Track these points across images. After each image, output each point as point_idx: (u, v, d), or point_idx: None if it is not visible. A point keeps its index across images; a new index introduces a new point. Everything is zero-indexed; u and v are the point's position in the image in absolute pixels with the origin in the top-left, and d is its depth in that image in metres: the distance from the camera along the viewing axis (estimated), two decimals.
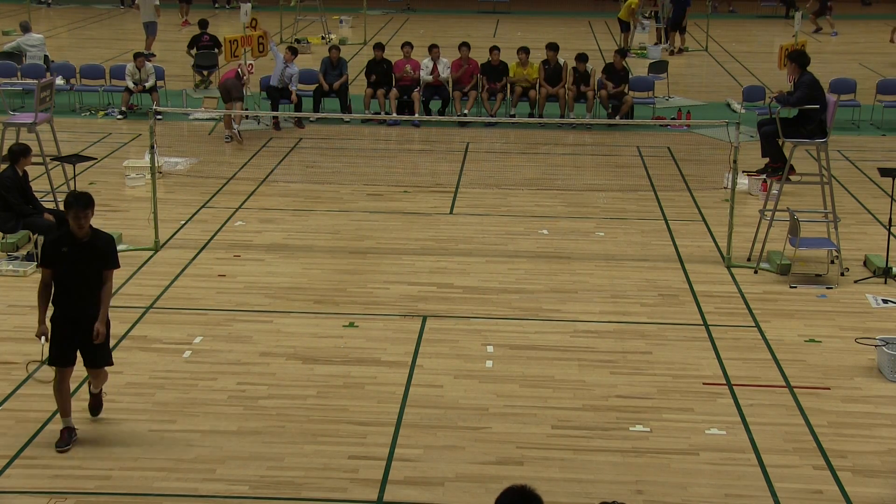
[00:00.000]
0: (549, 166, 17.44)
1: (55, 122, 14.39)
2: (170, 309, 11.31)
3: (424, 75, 20.20)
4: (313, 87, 20.16)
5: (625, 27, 28.47)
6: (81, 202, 8.24)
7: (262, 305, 11.45)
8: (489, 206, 15.03)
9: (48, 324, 8.42)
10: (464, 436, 8.79)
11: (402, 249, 13.22)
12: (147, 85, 20.15)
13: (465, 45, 20.45)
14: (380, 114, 19.92)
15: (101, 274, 8.38)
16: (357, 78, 22.23)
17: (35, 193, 12.80)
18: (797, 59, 13.02)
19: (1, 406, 9.19)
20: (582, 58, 20.26)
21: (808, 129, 12.67)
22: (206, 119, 19.95)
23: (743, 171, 14.67)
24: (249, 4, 21.57)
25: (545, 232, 13.96)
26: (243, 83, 18.80)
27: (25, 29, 23.10)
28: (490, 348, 10.45)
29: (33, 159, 12.73)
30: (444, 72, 20.26)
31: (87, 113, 20.51)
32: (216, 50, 22.85)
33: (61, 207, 13.00)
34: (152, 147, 13.07)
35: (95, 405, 8.88)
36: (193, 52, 23.03)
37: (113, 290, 8.85)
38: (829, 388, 9.73)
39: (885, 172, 12.81)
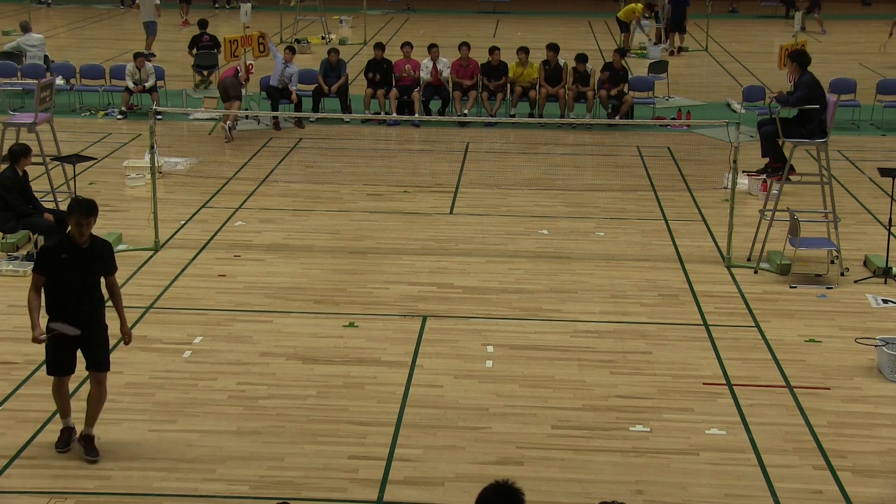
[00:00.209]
0: (549, 166, 17.44)
1: (55, 122, 14.39)
2: (170, 309, 11.31)
3: (424, 75, 20.20)
4: (313, 87, 20.16)
5: (624, 27, 28.47)
6: (84, 209, 8.13)
7: (262, 305, 11.45)
8: (489, 206, 15.03)
9: (42, 326, 8.29)
10: (464, 436, 8.79)
11: (402, 249, 13.23)
12: (147, 85, 20.15)
13: (465, 45, 20.46)
14: (380, 114, 19.92)
15: (99, 280, 8.31)
16: (357, 78, 22.23)
17: (35, 193, 12.80)
18: (798, 58, 13.02)
19: (1, 406, 9.19)
20: (582, 58, 20.26)
21: (808, 129, 12.67)
22: (206, 119, 19.95)
23: (743, 171, 14.66)
24: (249, 4, 21.60)
25: (545, 232, 13.96)
26: (242, 83, 18.76)
27: (25, 29, 23.10)
28: (490, 348, 10.45)
29: (33, 159, 12.73)
30: (444, 71, 20.26)
31: (87, 113, 20.52)
32: (215, 50, 22.85)
33: (62, 207, 13.06)
34: (152, 147, 13.07)
35: (89, 448, 8.35)
36: (194, 52, 23.03)
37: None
38: (829, 388, 9.74)
39: (885, 172, 12.81)
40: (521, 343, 10.60)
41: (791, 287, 12.15)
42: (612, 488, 8.03)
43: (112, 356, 8.69)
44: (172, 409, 9.18)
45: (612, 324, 11.08)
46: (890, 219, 12.66)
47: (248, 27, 20.51)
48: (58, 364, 8.32)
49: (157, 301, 11.48)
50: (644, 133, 19.71)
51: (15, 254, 12.73)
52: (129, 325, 10.69)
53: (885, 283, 12.28)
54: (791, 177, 12.99)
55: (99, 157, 16.76)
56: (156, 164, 13.34)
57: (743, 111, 19.62)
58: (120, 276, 8.71)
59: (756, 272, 12.59)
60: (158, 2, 27.02)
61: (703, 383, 9.80)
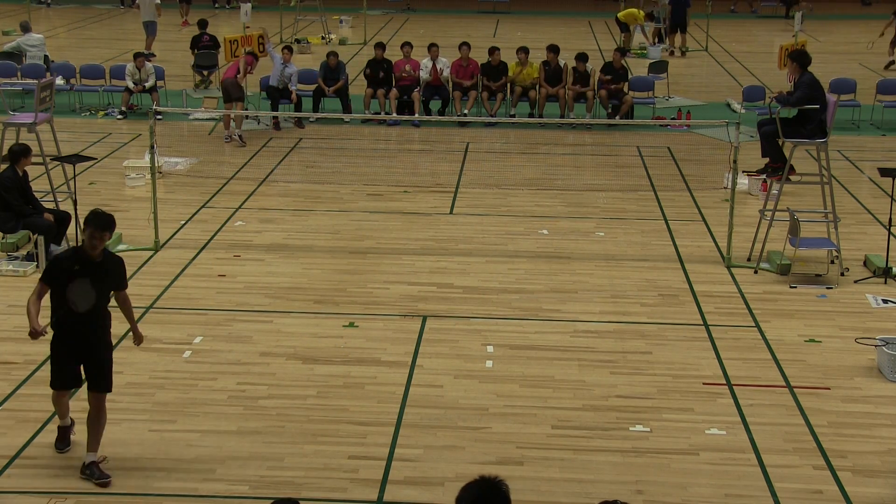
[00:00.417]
0: (549, 166, 17.44)
1: (55, 122, 14.38)
2: (170, 309, 11.31)
3: (424, 75, 20.20)
4: (313, 87, 20.15)
5: (624, 28, 28.46)
6: (99, 223, 7.91)
7: (262, 305, 11.45)
8: (489, 206, 15.03)
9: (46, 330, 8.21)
10: (464, 436, 8.79)
11: (402, 249, 13.22)
12: (147, 85, 20.15)
13: (465, 45, 20.46)
14: (380, 114, 19.92)
15: (108, 297, 8.12)
16: (357, 78, 22.23)
17: (35, 193, 12.80)
18: (798, 58, 13.03)
19: (1, 406, 9.19)
20: (582, 58, 20.27)
21: (808, 128, 12.67)
22: (206, 119, 19.95)
23: (743, 171, 14.66)
24: (249, 4, 21.59)
25: (545, 232, 13.96)
26: (240, 84, 18.67)
27: (25, 29, 23.10)
28: (490, 348, 10.45)
29: (33, 159, 12.72)
30: (444, 71, 20.26)
31: (87, 113, 20.52)
32: (215, 50, 22.84)
33: (62, 207, 13.07)
34: (152, 147, 13.07)
35: (99, 474, 8.03)
36: (195, 52, 23.03)
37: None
38: (829, 388, 9.73)
39: (885, 172, 12.80)
40: (521, 343, 10.60)
41: (791, 287, 12.15)
42: (612, 488, 8.03)
43: (112, 356, 8.65)
44: (172, 409, 9.18)
45: (612, 324, 11.08)
46: (890, 219, 12.66)
47: (248, 27, 20.51)
48: (59, 378, 8.19)
49: (157, 301, 11.48)
50: (644, 133, 19.71)
51: (15, 254, 12.73)
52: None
53: (885, 283, 12.28)
54: (791, 177, 12.99)
55: (99, 157, 16.76)
56: (156, 164, 13.35)
57: (743, 111, 19.62)
58: None
59: (756, 272, 12.59)
60: (159, 1, 27.01)
61: (703, 383, 9.80)
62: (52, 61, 22.54)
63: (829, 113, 12.63)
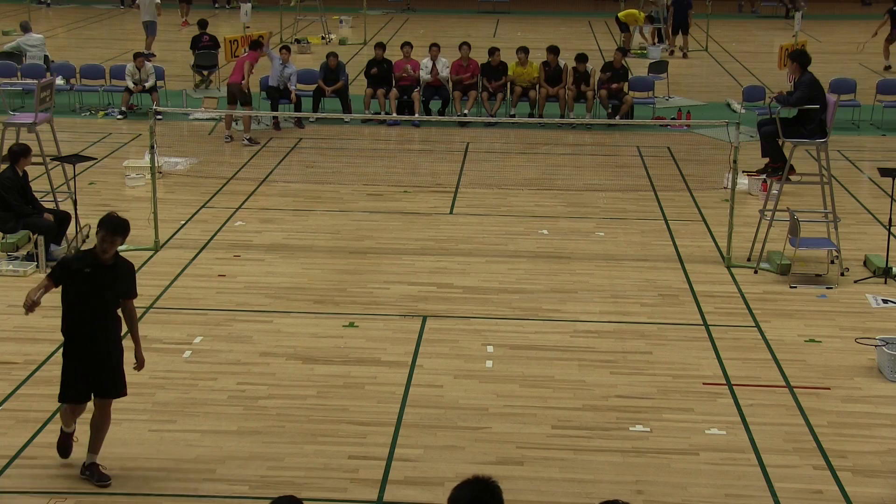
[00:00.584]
0: (549, 166, 17.44)
1: (55, 122, 14.38)
2: (170, 309, 11.31)
3: (424, 75, 20.20)
4: (313, 87, 20.15)
5: (624, 28, 28.47)
6: (111, 227, 7.77)
7: (262, 305, 11.45)
8: (489, 206, 15.03)
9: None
10: (464, 436, 8.79)
11: (402, 249, 13.22)
12: (147, 85, 20.15)
13: (465, 45, 20.47)
14: (380, 114, 19.92)
15: (117, 301, 7.99)
16: (357, 78, 22.22)
17: (35, 193, 12.80)
18: (798, 58, 13.03)
19: (1, 406, 9.19)
20: (582, 58, 20.27)
21: (808, 128, 12.67)
22: (206, 119, 19.95)
23: (743, 171, 14.67)
24: (249, 4, 21.61)
25: (545, 232, 13.96)
26: (246, 90, 18.57)
27: (25, 29, 23.11)
28: (490, 348, 10.45)
29: (33, 159, 12.73)
30: (444, 71, 20.27)
31: (87, 113, 20.52)
32: (215, 50, 22.83)
33: (62, 207, 13.07)
34: (152, 147, 13.07)
35: (99, 475, 8.05)
36: (195, 52, 23.02)
37: None
38: (829, 388, 9.73)
39: (885, 172, 12.81)
40: (521, 343, 10.60)
41: (791, 287, 12.15)
42: (612, 488, 8.03)
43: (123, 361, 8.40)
44: (172, 409, 9.18)
45: (612, 324, 11.08)
46: (890, 219, 12.66)
47: (248, 27, 20.51)
48: (71, 391, 7.96)
49: (157, 301, 11.48)
50: (644, 133, 19.71)
51: (15, 254, 12.73)
52: None
53: (885, 283, 12.28)
54: (791, 177, 13.00)
55: (99, 157, 16.76)
56: (156, 164, 13.35)
57: (743, 111, 19.60)
58: None
59: (756, 272, 12.59)
60: (159, 1, 27.01)
61: (703, 383, 9.79)
62: (52, 61, 22.54)
63: (829, 113, 12.64)
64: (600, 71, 20.37)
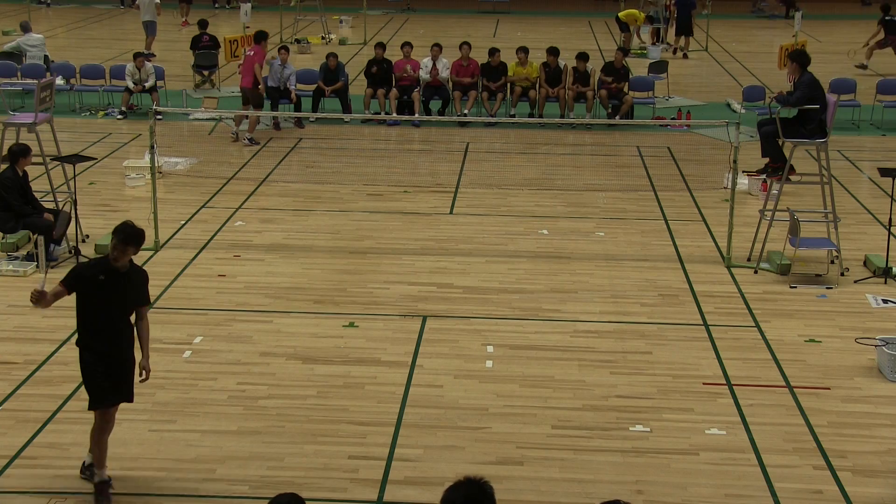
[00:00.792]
0: (549, 166, 17.44)
1: (55, 122, 14.36)
2: (170, 309, 11.31)
3: (423, 75, 20.20)
4: (313, 87, 20.15)
5: (624, 28, 28.47)
6: (123, 237, 7.61)
7: (262, 305, 11.45)
8: (489, 206, 15.03)
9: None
10: (464, 436, 8.79)
11: (402, 249, 13.23)
12: (147, 85, 20.15)
13: (465, 45, 20.47)
14: (380, 114, 19.92)
15: (131, 309, 7.90)
16: (357, 78, 22.23)
17: (35, 193, 12.80)
18: (798, 58, 13.02)
19: (1, 406, 9.19)
20: (582, 57, 20.27)
21: (808, 128, 12.67)
22: (206, 119, 19.95)
23: (743, 171, 14.66)
24: (249, 4, 21.61)
25: (545, 232, 13.96)
26: (261, 94, 18.52)
27: (25, 29, 23.11)
28: (490, 348, 10.45)
29: (33, 159, 12.72)
30: (444, 71, 20.26)
31: (87, 113, 20.52)
32: (214, 51, 22.84)
33: (61, 207, 13.06)
34: (152, 147, 13.07)
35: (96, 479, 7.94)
36: (195, 52, 23.02)
37: None
38: (829, 388, 9.73)
39: (885, 172, 12.81)
40: (521, 343, 10.60)
41: (791, 287, 12.15)
42: (612, 488, 8.03)
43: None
44: (172, 409, 9.18)
45: (612, 324, 11.08)
46: (890, 219, 12.66)
47: (248, 27, 20.50)
48: (99, 393, 7.74)
49: (157, 301, 11.47)
50: (644, 133, 19.71)
51: (15, 254, 12.72)
52: None
53: (885, 283, 12.28)
54: (791, 177, 12.99)
55: (99, 157, 16.76)
56: (156, 164, 13.35)
57: (743, 111, 19.60)
58: None
59: (756, 272, 12.59)
60: (159, 1, 27.00)
61: (703, 383, 9.79)
62: (52, 61, 22.55)
63: (829, 113, 12.63)
64: (601, 71, 20.37)
